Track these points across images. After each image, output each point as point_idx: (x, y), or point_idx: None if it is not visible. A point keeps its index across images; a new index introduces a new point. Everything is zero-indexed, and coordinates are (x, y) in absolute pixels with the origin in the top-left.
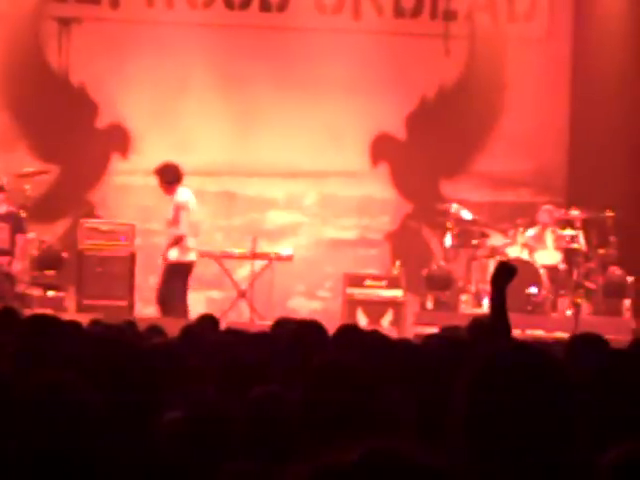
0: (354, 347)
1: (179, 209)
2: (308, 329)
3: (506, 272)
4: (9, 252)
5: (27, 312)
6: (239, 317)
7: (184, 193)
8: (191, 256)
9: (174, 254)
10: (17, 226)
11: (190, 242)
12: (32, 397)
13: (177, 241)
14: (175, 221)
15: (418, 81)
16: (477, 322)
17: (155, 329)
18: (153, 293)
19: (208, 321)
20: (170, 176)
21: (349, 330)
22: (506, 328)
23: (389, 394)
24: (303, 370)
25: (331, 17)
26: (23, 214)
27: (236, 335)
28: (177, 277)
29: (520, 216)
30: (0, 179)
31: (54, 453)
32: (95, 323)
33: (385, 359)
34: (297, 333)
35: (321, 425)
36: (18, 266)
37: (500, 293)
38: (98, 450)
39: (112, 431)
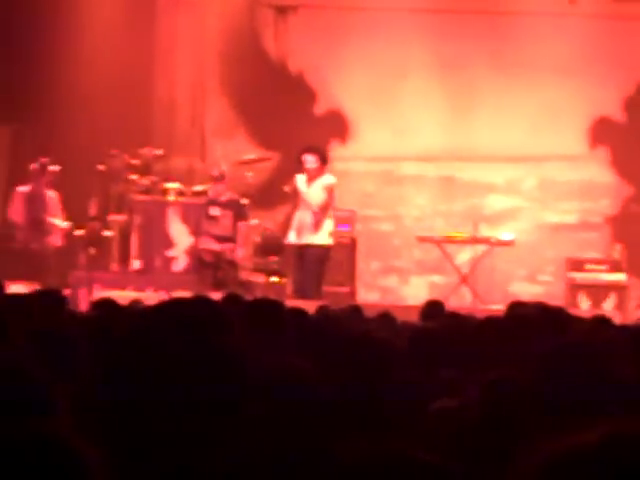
0: (575, 331)
1: (332, 191)
2: (538, 313)
3: None
4: (232, 239)
5: (250, 298)
6: (461, 302)
7: (332, 176)
8: (332, 240)
9: (327, 238)
10: (239, 213)
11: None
12: (265, 382)
13: (325, 224)
14: (328, 203)
15: (636, 64)
16: None
17: (386, 317)
18: (374, 279)
19: (434, 306)
20: (325, 157)
21: (565, 313)
22: None
23: (623, 377)
24: (536, 354)
25: (547, 0)
26: (245, 201)
27: (460, 319)
28: (326, 261)
29: None
30: (220, 167)
31: (280, 439)
32: (321, 309)
33: (611, 342)
34: (526, 316)
35: (555, 409)
36: (240, 253)
37: None
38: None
39: (343, 422)
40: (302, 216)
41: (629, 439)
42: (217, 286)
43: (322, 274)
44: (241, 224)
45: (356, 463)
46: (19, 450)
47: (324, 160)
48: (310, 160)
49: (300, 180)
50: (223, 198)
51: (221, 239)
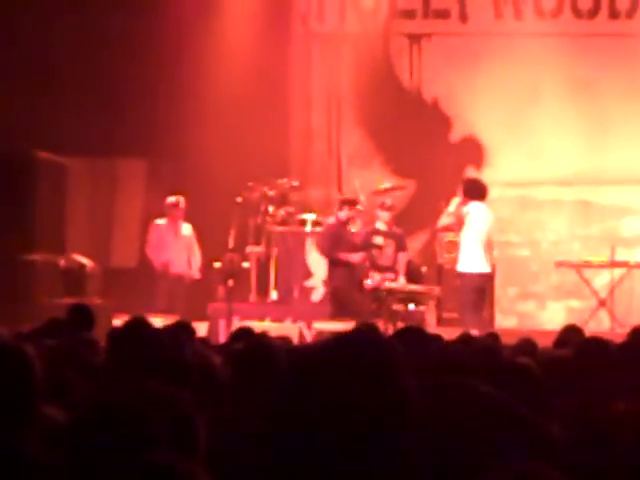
0: None
1: None
2: None
3: None
4: (392, 269)
5: (391, 327)
6: (599, 326)
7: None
8: None
9: None
10: (400, 244)
11: None
12: (427, 400)
13: None
14: None
15: None
16: None
17: (528, 343)
18: (512, 304)
19: (572, 331)
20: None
21: None
22: None
23: None
24: None
25: None
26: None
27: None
28: None
29: None
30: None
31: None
32: (463, 337)
33: None
34: None
35: None
36: (402, 281)
37: None
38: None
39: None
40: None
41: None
42: (374, 316)
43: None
44: (401, 255)
45: None
46: None
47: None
48: None
49: None
50: (386, 228)
51: (383, 268)
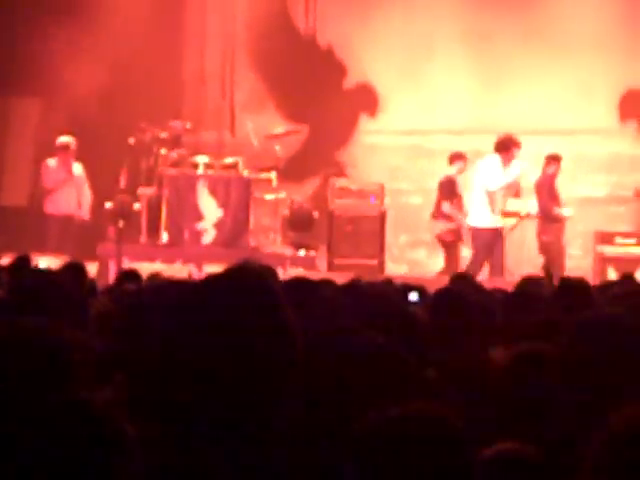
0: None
1: None
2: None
3: None
4: None
5: (280, 271)
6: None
7: None
8: None
9: None
10: None
11: None
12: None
13: None
14: None
15: None
16: None
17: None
18: (402, 252)
19: (460, 279)
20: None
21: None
22: None
23: None
24: (564, 326)
25: None
26: (273, 174)
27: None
28: None
29: None
30: None
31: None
32: (354, 281)
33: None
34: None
35: (585, 380)
36: None
37: None
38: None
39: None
40: None
41: None
42: None
43: None
44: None
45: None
46: (56, 419)
47: None
48: None
49: None
50: None
51: None
